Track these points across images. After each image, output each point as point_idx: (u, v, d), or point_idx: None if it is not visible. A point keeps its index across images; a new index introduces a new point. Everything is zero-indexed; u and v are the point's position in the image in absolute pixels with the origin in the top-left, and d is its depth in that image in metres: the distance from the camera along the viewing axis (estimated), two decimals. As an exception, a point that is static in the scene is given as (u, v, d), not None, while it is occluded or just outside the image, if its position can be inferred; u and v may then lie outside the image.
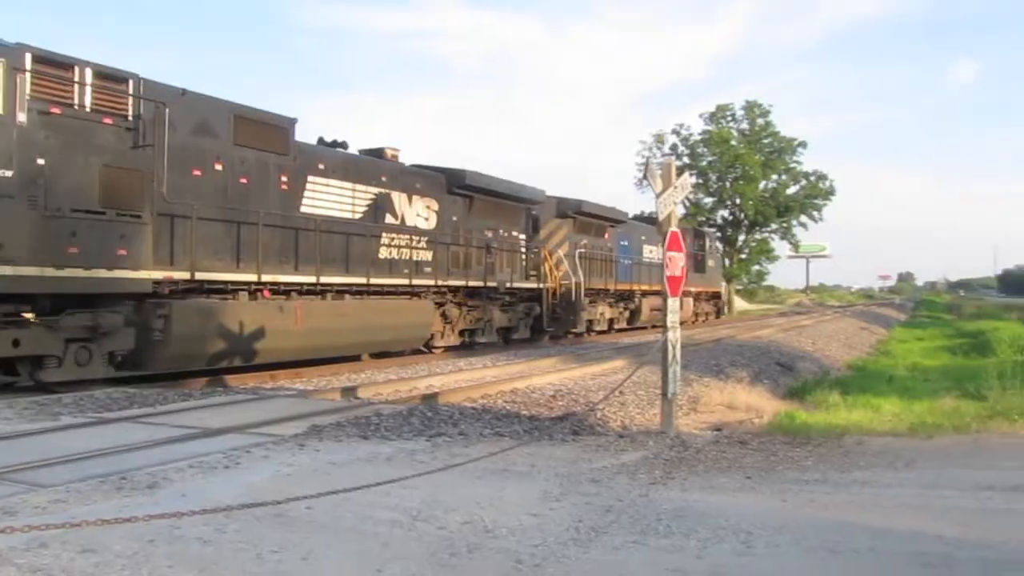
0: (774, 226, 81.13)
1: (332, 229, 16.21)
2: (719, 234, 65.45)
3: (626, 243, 30.65)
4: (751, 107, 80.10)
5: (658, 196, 9.66)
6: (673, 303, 9.65)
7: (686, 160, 75.73)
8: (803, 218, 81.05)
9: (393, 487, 5.83)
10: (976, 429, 9.30)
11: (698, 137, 79.47)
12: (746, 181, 76.70)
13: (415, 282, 18.52)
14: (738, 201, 78.57)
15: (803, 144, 79.68)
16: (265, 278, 14.50)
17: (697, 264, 39.21)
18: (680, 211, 11.73)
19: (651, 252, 31.91)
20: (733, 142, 77.77)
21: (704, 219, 75.91)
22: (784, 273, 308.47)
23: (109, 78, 12.14)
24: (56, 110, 11.38)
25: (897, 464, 7.35)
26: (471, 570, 4.28)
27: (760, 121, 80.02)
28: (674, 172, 9.85)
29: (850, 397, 14.15)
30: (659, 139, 79.34)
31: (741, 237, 70.97)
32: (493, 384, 13.14)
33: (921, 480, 6.75)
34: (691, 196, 71.10)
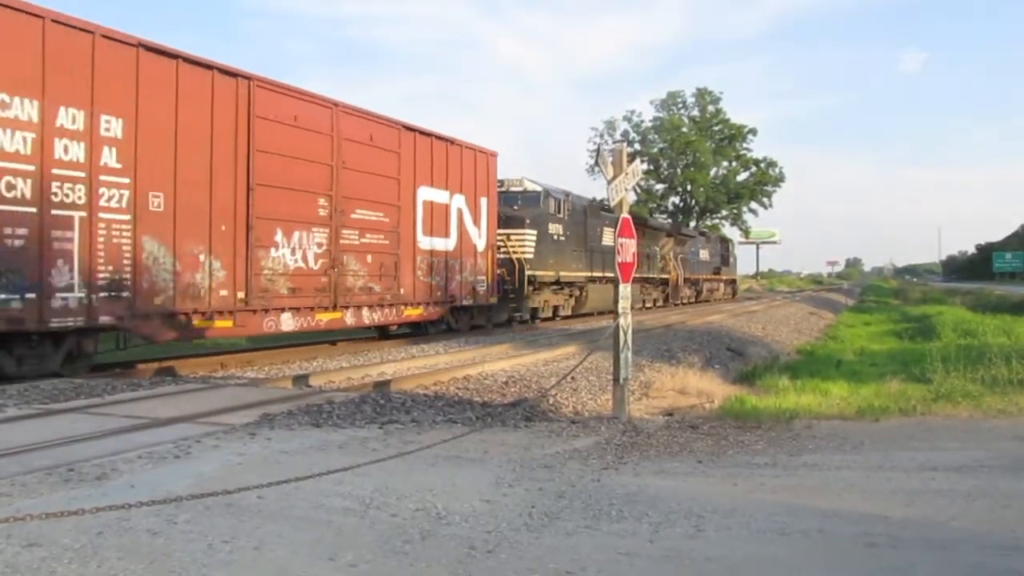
0: (724, 212, 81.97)
1: (606, 251, 30.27)
2: (670, 220, 66.08)
3: (693, 249, 47.57)
4: (702, 94, 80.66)
5: (610, 182, 9.68)
6: (624, 289, 9.67)
7: (637, 147, 76.19)
8: (753, 204, 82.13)
9: (345, 475, 5.80)
10: (921, 412, 9.51)
11: (649, 124, 79.99)
12: (697, 168, 77.31)
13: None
14: (689, 188, 79.23)
15: (753, 131, 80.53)
16: (601, 274, 30.23)
17: (724, 260, 56.23)
18: (631, 197, 11.79)
19: (702, 253, 49.95)
20: (684, 129, 78.29)
21: (655, 206, 76.46)
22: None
23: (563, 195, 27.38)
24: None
25: (845, 447, 7.48)
26: (424, 557, 4.28)
27: (711, 108, 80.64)
28: (625, 158, 9.88)
29: (799, 381, 14.28)
30: (610, 126, 79.77)
31: (692, 224, 71.56)
32: (446, 371, 13.12)
33: (868, 462, 6.88)
34: (642, 183, 71.65)
